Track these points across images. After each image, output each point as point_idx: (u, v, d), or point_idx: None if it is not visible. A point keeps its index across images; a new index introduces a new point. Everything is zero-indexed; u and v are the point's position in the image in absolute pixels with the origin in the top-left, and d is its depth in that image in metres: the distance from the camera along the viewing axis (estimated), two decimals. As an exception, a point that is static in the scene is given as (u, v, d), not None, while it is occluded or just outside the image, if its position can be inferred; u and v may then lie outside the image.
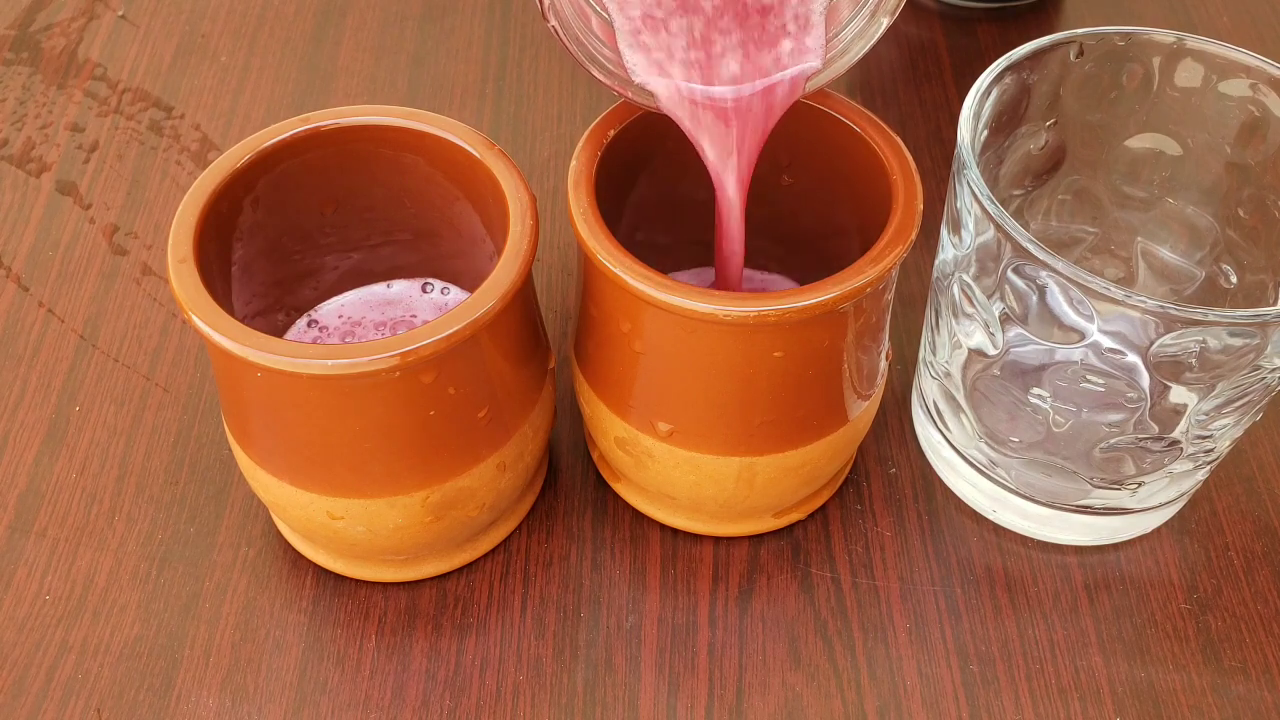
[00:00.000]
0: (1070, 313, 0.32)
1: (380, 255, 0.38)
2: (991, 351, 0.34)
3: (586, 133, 0.34)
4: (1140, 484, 0.35)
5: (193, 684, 0.35)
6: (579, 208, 0.32)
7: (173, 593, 0.37)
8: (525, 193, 0.32)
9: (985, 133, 0.35)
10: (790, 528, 0.38)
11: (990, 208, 0.31)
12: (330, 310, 0.38)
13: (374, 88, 0.51)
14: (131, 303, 0.43)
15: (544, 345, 0.35)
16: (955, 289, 0.35)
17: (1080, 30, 0.35)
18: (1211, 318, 0.29)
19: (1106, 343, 0.32)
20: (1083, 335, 0.32)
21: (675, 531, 0.38)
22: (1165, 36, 0.35)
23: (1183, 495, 0.37)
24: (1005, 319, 0.33)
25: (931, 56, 0.52)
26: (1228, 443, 0.35)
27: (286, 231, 0.36)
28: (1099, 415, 0.33)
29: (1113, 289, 0.30)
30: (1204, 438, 0.34)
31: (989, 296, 0.33)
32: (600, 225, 0.31)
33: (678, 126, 0.35)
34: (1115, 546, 0.38)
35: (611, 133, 0.34)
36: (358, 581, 0.37)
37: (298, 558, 0.37)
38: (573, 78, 0.51)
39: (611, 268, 0.31)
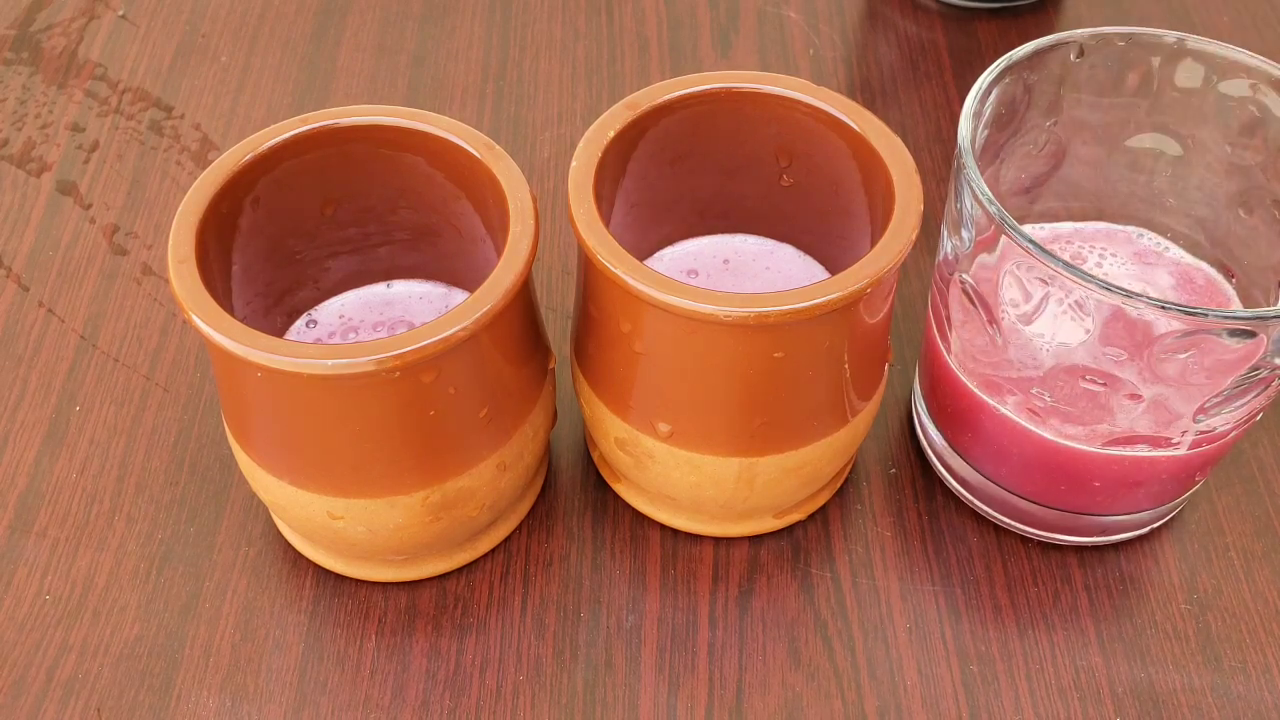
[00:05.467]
0: (1070, 312, 0.32)
1: (380, 255, 0.38)
2: (991, 351, 0.34)
3: (587, 133, 0.34)
4: (1139, 483, 0.35)
5: (193, 684, 0.35)
6: (579, 208, 0.32)
7: (173, 593, 0.37)
8: (525, 193, 0.32)
9: (985, 133, 0.35)
10: (790, 528, 0.38)
11: (990, 208, 0.31)
12: (330, 310, 0.38)
13: (374, 88, 0.51)
14: (131, 303, 0.43)
15: (544, 345, 0.35)
16: (955, 289, 0.35)
17: (1080, 30, 0.35)
18: (1211, 318, 0.29)
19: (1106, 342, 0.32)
20: (1083, 335, 0.32)
21: (675, 532, 0.38)
22: (1165, 36, 0.35)
23: (1182, 496, 0.37)
24: (1005, 318, 0.33)
25: (931, 56, 0.52)
26: (1227, 442, 0.35)
27: (286, 232, 0.36)
28: (1099, 415, 0.33)
29: (1113, 289, 0.30)
30: (1204, 435, 0.34)
31: (989, 296, 0.33)
32: (600, 225, 0.31)
33: (677, 127, 0.35)
34: (1115, 546, 0.38)
35: (611, 133, 0.34)
36: (358, 581, 0.37)
37: (298, 558, 0.37)
38: (573, 78, 0.51)
39: (611, 268, 0.31)
